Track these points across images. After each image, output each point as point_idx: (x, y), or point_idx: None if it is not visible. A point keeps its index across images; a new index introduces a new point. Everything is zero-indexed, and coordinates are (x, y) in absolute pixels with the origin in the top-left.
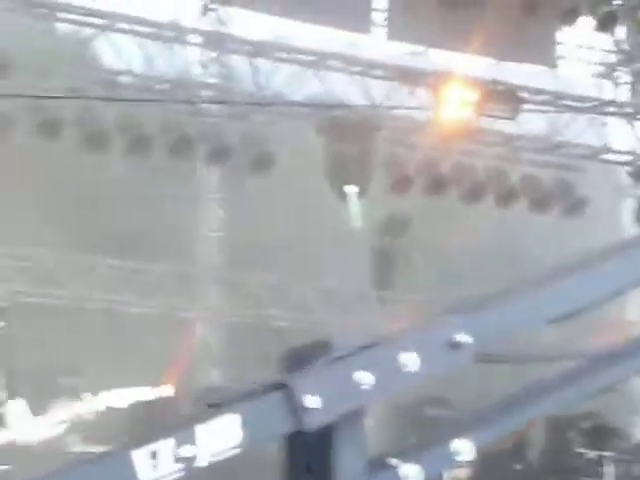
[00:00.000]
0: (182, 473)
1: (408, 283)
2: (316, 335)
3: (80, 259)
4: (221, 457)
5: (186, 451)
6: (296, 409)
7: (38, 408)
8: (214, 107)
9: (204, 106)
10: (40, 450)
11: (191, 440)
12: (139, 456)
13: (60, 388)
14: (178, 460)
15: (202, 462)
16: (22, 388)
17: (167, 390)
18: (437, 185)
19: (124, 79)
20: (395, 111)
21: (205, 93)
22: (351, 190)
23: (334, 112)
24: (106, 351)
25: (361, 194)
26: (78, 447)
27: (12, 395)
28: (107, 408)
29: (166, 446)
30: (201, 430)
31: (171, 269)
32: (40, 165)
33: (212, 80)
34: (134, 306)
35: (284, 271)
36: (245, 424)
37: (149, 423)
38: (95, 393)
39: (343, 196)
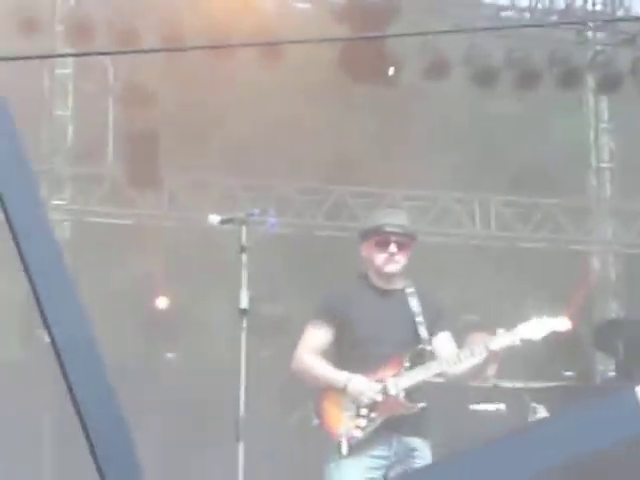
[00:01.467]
0: None
1: None
2: None
3: (475, 197)
4: None
5: None
6: None
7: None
8: (602, 35)
9: (592, 35)
10: (468, 383)
11: None
12: None
13: (465, 324)
14: None
15: None
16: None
17: (565, 323)
18: None
19: (509, 14)
20: None
21: (592, 22)
22: None
23: None
24: (503, 288)
25: None
26: (498, 380)
27: (436, 331)
28: (522, 341)
29: None
30: None
31: (563, 202)
32: (430, 105)
33: (599, 7)
34: (528, 241)
35: None
36: None
37: (563, 356)
38: (509, 327)
39: None
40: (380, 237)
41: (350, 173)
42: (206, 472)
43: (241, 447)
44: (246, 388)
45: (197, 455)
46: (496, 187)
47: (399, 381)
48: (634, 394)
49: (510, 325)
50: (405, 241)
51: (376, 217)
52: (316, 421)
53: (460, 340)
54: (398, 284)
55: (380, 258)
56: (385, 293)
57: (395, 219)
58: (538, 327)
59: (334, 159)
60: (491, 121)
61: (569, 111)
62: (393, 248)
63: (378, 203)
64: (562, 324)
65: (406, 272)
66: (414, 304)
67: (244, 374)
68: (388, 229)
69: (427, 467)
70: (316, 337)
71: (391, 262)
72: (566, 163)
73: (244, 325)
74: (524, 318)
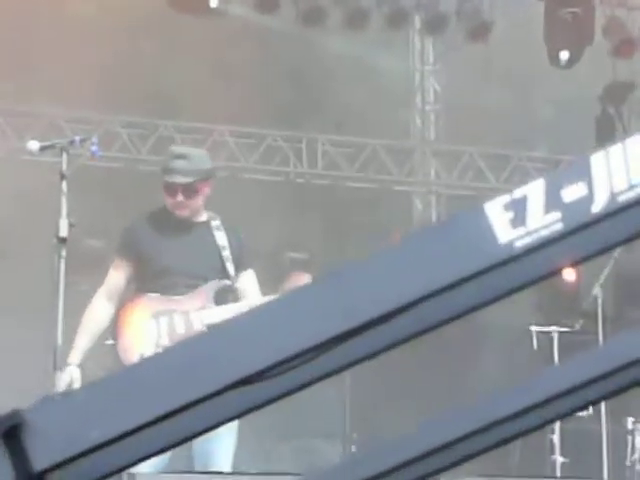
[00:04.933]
0: (561, 225)
1: None
2: None
3: (302, 135)
4: (623, 200)
5: (570, 194)
6: None
7: (269, 282)
8: None
9: None
10: None
11: (579, 178)
12: (496, 209)
13: (288, 262)
14: (555, 208)
15: (596, 207)
16: (252, 262)
17: None
18: None
19: None
20: None
21: None
22: (569, 56)
23: None
24: (330, 226)
25: (581, 59)
26: None
27: (241, 268)
28: None
29: (536, 192)
30: (598, 161)
31: (388, 143)
32: (257, 40)
33: None
34: (354, 181)
35: (503, 141)
36: None
37: None
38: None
39: (561, 62)
40: (167, 182)
41: (177, 108)
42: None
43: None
44: (64, 319)
45: (14, 385)
46: (323, 126)
47: (204, 315)
48: (483, 213)
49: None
50: (195, 186)
51: (166, 158)
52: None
53: (283, 277)
54: (202, 217)
55: (169, 203)
56: (187, 225)
57: (180, 164)
58: None
59: (161, 94)
60: (320, 60)
61: (396, 52)
62: (180, 197)
63: (205, 139)
64: None
65: (219, 205)
66: (220, 237)
67: (62, 305)
68: (169, 179)
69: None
70: (114, 278)
71: (180, 207)
72: (392, 104)
73: (63, 254)
74: (348, 257)
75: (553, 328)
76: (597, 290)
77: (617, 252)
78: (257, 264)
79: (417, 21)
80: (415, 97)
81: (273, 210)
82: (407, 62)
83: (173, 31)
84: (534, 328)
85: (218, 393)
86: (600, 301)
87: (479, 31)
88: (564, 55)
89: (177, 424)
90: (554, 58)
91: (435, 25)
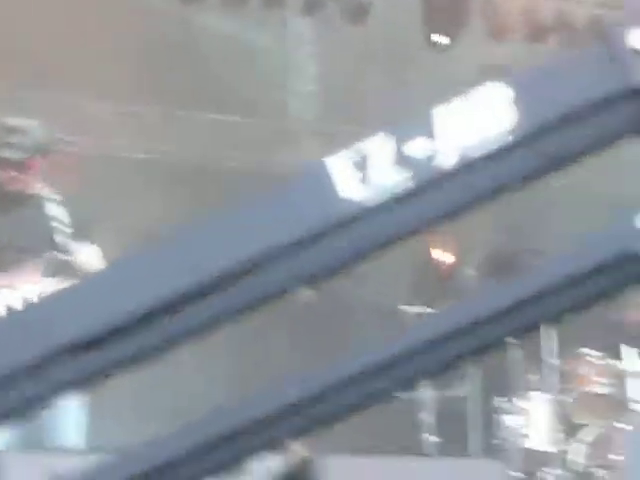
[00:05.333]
0: (409, 182)
1: None
2: None
3: (178, 114)
4: (474, 155)
5: (416, 149)
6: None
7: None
8: None
9: None
10: None
11: (425, 133)
12: (337, 167)
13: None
14: (401, 164)
15: (445, 160)
16: (99, 237)
17: None
18: (537, 32)
19: None
20: None
21: None
22: (446, 39)
23: None
24: (201, 206)
25: (458, 43)
26: None
27: (82, 243)
28: None
29: (380, 148)
30: (443, 115)
31: (268, 123)
32: (137, 18)
33: None
34: (232, 161)
35: (382, 123)
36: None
37: None
38: None
39: (438, 46)
40: None
41: (49, 83)
42: None
43: None
44: None
45: None
46: (201, 105)
47: (36, 289)
48: (324, 169)
49: None
50: (28, 162)
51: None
52: None
53: None
54: (36, 191)
55: (1, 177)
56: (20, 200)
57: (13, 139)
58: None
59: (34, 68)
60: (197, 39)
61: (274, 32)
62: (12, 172)
63: (78, 115)
64: None
65: (89, 182)
66: (54, 210)
67: None
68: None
69: None
70: None
71: (12, 182)
72: (270, 84)
73: None
74: None
75: (424, 309)
76: (471, 271)
77: (491, 233)
78: (126, 241)
79: (294, 1)
80: (293, 78)
81: (146, 189)
82: (285, 42)
83: (49, 7)
84: (405, 308)
85: (50, 359)
86: (473, 282)
87: (357, 12)
88: (440, 38)
89: (11, 394)
90: (431, 40)
91: (312, 5)
